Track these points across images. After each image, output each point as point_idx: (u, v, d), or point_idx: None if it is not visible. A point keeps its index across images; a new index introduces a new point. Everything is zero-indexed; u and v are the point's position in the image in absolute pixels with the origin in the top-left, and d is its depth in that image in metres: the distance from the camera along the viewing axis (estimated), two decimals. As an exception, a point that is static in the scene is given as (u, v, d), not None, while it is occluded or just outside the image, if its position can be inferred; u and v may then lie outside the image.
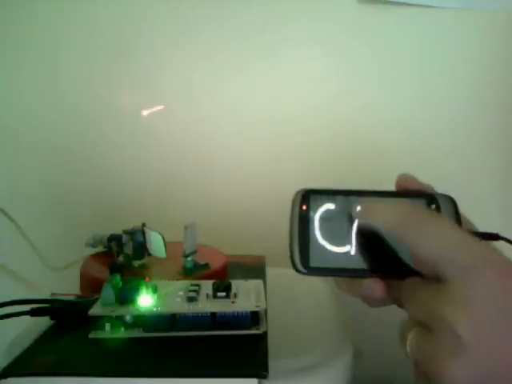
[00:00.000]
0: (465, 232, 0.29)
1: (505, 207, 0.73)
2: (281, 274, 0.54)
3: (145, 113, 0.70)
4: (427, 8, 0.69)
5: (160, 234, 0.50)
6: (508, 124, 0.72)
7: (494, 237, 0.33)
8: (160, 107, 0.71)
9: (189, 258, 0.50)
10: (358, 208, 0.32)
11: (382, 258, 0.32)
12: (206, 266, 0.50)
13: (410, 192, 0.34)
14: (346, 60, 0.71)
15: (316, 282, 0.54)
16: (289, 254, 0.32)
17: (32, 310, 0.42)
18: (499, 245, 0.33)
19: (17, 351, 0.37)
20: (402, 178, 0.34)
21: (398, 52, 0.71)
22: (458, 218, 0.32)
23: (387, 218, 0.30)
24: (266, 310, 0.39)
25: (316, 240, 0.32)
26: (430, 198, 0.33)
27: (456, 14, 0.69)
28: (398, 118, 0.72)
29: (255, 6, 0.70)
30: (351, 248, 0.32)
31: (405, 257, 0.31)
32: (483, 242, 0.29)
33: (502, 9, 0.69)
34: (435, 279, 0.28)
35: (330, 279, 0.34)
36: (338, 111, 0.72)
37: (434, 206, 0.33)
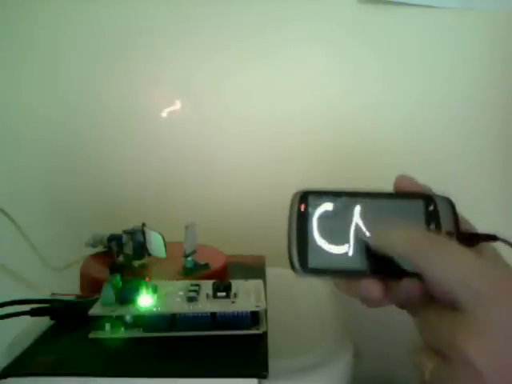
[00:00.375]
0: (481, 259, 0.28)
1: (505, 207, 0.73)
2: (281, 274, 0.54)
3: (164, 113, 0.70)
4: (427, 8, 0.69)
5: (160, 234, 0.50)
6: (508, 124, 0.72)
7: (492, 238, 0.32)
8: (176, 107, 0.71)
9: (189, 258, 0.50)
10: (371, 230, 0.32)
11: (380, 259, 0.32)
12: (206, 266, 0.50)
13: (408, 193, 0.34)
14: (346, 60, 0.71)
15: (316, 281, 0.54)
16: (287, 254, 0.32)
17: (32, 310, 0.42)
18: (497, 246, 0.33)
19: (17, 351, 0.37)
20: (400, 179, 0.34)
21: (399, 52, 0.71)
22: (455, 218, 0.32)
23: (402, 245, 0.30)
24: (266, 310, 0.39)
25: (314, 241, 0.32)
26: (427, 200, 0.33)
27: (456, 14, 0.69)
28: (398, 117, 0.72)
29: (256, 5, 0.70)
30: (349, 249, 0.32)
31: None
32: (500, 270, 0.28)
33: (501, 9, 0.69)
34: (450, 306, 0.28)
35: (329, 279, 0.34)
36: (338, 111, 0.72)
37: (432, 207, 0.33)
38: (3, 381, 0.33)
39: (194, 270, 0.49)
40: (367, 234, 0.32)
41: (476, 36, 0.71)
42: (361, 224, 0.33)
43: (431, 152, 0.72)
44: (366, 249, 0.32)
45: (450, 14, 0.70)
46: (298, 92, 0.72)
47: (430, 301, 0.29)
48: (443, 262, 0.28)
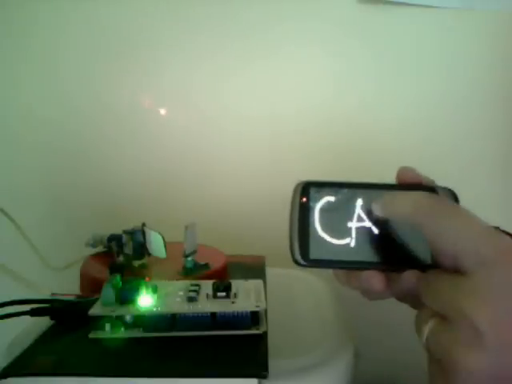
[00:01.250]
0: (487, 225, 0.28)
1: (504, 207, 0.73)
2: (281, 274, 0.54)
3: (162, 111, 0.70)
4: (427, 8, 0.69)
5: (160, 234, 0.50)
6: (508, 124, 0.72)
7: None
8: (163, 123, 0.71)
9: (189, 258, 0.50)
10: (380, 198, 0.32)
11: (382, 250, 0.32)
12: (206, 266, 0.50)
13: (411, 185, 0.33)
14: (346, 60, 0.71)
15: (316, 281, 0.54)
16: (288, 245, 0.32)
17: (32, 310, 0.42)
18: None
19: (17, 351, 0.37)
20: (403, 171, 0.34)
21: (398, 52, 0.71)
22: None
23: (411, 209, 0.30)
24: (266, 310, 0.39)
25: (316, 232, 0.32)
26: (430, 191, 0.33)
27: (456, 14, 0.69)
28: (398, 117, 0.72)
29: (255, 5, 0.70)
30: (351, 240, 0.32)
31: (410, 249, 0.31)
32: (505, 236, 0.28)
33: (502, 9, 0.69)
34: (455, 271, 0.28)
35: (330, 274, 0.34)
36: (338, 111, 0.72)
37: None
38: (3, 381, 0.33)
39: (194, 270, 0.49)
40: (373, 202, 0.32)
41: (476, 36, 0.71)
42: (363, 216, 0.33)
43: (430, 152, 0.72)
44: (368, 240, 0.32)
45: (450, 14, 0.70)
46: (297, 92, 0.72)
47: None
48: (449, 225, 0.28)
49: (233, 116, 0.72)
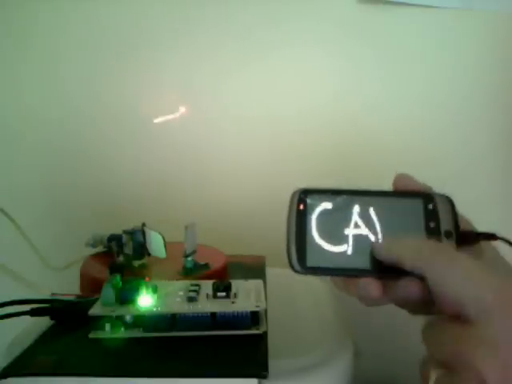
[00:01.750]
0: (491, 273, 0.28)
1: (505, 207, 0.73)
2: (281, 274, 0.53)
3: (158, 120, 0.70)
4: (427, 8, 0.69)
5: (160, 234, 0.50)
6: (508, 124, 0.72)
7: (492, 236, 0.32)
8: (173, 115, 0.71)
9: (189, 258, 0.50)
10: (381, 239, 0.32)
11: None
12: (206, 265, 0.50)
13: (408, 192, 0.34)
14: (346, 60, 0.71)
15: (316, 281, 0.54)
16: (285, 253, 0.32)
17: (32, 310, 0.42)
18: (496, 244, 0.33)
19: (17, 351, 0.37)
20: (400, 178, 0.34)
21: (398, 52, 0.71)
22: (455, 217, 0.32)
23: (410, 255, 0.29)
24: (266, 310, 0.39)
25: (313, 239, 0.32)
26: (427, 198, 0.33)
27: (456, 14, 0.69)
28: (398, 117, 0.72)
29: (254, 6, 0.70)
30: (348, 247, 0.32)
31: None
32: (507, 283, 0.28)
33: (501, 9, 0.69)
34: (459, 320, 0.27)
35: (328, 278, 0.34)
36: (338, 111, 0.72)
37: (431, 206, 0.33)
38: (3, 381, 0.33)
39: (194, 270, 0.49)
40: (375, 246, 0.32)
41: (476, 36, 0.71)
42: (360, 223, 0.33)
43: (431, 152, 0.72)
44: (364, 248, 0.32)
45: (450, 14, 0.70)
46: (297, 92, 0.72)
47: (431, 302, 0.29)
48: (451, 273, 0.28)
49: (233, 116, 0.72)
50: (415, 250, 0.30)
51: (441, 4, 0.69)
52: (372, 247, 0.32)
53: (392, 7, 0.69)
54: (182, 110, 0.70)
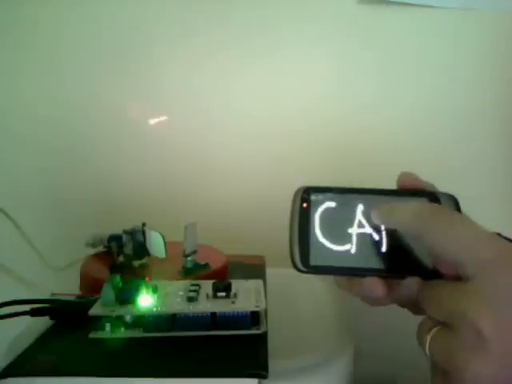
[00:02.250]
0: (487, 231, 0.28)
1: (505, 206, 0.73)
2: (281, 274, 0.54)
3: (151, 122, 0.71)
4: (427, 8, 0.69)
5: (160, 233, 0.50)
6: (508, 124, 0.72)
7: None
8: (164, 117, 0.71)
9: (189, 258, 0.50)
10: (379, 206, 0.32)
11: (383, 257, 0.32)
12: (206, 265, 0.50)
13: (412, 190, 0.33)
14: (346, 60, 0.71)
15: (316, 281, 0.54)
16: (288, 251, 0.32)
17: (32, 310, 0.42)
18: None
19: (17, 351, 0.37)
20: (404, 176, 0.34)
21: (398, 52, 0.71)
22: None
23: (408, 216, 0.30)
24: (266, 310, 0.39)
25: (316, 238, 0.32)
26: (431, 197, 0.33)
27: (456, 14, 0.69)
28: (398, 117, 0.72)
29: (255, 6, 0.70)
30: (351, 246, 0.32)
31: (411, 256, 0.31)
32: (505, 240, 0.28)
33: (502, 9, 0.69)
34: (456, 278, 0.28)
35: (331, 278, 0.34)
36: (338, 111, 0.72)
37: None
38: (3, 381, 0.33)
39: (194, 270, 0.49)
40: (373, 210, 0.32)
41: (476, 36, 0.71)
42: (364, 222, 0.32)
43: (431, 151, 0.72)
44: (368, 247, 0.32)
45: (450, 14, 0.70)
46: (297, 92, 0.72)
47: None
48: (449, 232, 0.28)
49: (233, 116, 0.72)
50: (414, 212, 0.30)
51: (441, 4, 0.69)
52: (371, 211, 0.32)
53: (392, 7, 0.69)
54: (164, 117, 0.70)
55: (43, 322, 0.42)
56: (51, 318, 0.42)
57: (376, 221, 0.32)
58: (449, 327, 0.27)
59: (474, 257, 0.27)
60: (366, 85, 0.72)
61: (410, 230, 0.30)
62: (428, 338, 0.28)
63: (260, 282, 0.44)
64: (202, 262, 0.50)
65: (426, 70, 0.72)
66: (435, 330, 0.28)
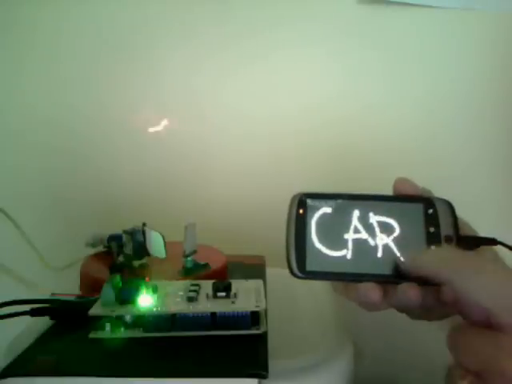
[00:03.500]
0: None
1: (505, 208, 0.73)
2: (281, 274, 0.53)
3: (151, 130, 0.71)
4: (427, 8, 0.69)
5: (160, 233, 0.50)
6: (509, 125, 0.72)
7: (492, 241, 0.32)
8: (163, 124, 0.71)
9: (189, 258, 0.50)
10: (407, 254, 0.31)
11: (378, 262, 0.32)
12: (206, 265, 0.50)
13: (408, 196, 0.34)
14: (345, 60, 0.71)
15: (316, 282, 0.54)
16: (285, 257, 0.32)
17: (32, 310, 0.42)
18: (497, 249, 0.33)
19: (17, 351, 0.37)
20: (400, 182, 0.34)
21: (398, 52, 0.71)
22: (455, 222, 0.32)
23: (441, 267, 0.29)
24: (266, 310, 0.39)
25: (313, 244, 0.32)
26: (427, 203, 0.33)
27: (456, 14, 0.69)
28: (398, 118, 0.72)
29: (254, 6, 0.70)
30: (347, 252, 0.32)
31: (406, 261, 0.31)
32: None
33: (502, 9, 0.69)
34: (490, 327, 0.27)
35: (329, 282, 0.34)
36: (338, 111, 0.72)
37: (431, 211, 0.33)
38: (3, 381, 0.33)
39: (194, 270, 0.49)
40: (400, 257, 0.32)
41: (476, 36, 0.71)
42: (360, 228, 0.33)
43: (431, 152, 0.72)
44: (364, 252, 0.32)
45: (450, 14, 0.70)
46: (297, 92, 0.72)
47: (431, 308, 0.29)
48: (479, 282, 0.28)
49: (233, 116, 0.72)
50: (443, 261, 0.29)
51: (441, 4, 0.69)
52: (398, 262, 0.31)
53: (392, 7, 0.69)
54: (165, 123, 0.70)
55: (43, 322, 0.42)
56: (51, 318, 0.42)
57: (404, 268, 0.31)
58: (484, 379, 0.27)
59: (508, 308, 0.26)
60: (366, 85, 0.72)
61: (439, 279, 0.29)
62: None
63: (260, 282, 0.44)
64: (202, 262, 0.50)
65: (426, 70, 0.72)
66: (469, 380, 0.27)
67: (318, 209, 0.33)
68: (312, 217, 0.33)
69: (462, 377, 0.28)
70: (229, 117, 0.72)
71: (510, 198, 0.74)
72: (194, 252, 0.50)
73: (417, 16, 0.70)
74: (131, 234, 0.52)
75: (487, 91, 0.72)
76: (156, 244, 0.51)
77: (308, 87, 0.72)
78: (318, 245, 0.32)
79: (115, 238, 0.53)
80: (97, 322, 0.38)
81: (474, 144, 0.73)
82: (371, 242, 0.32)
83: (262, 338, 0.38)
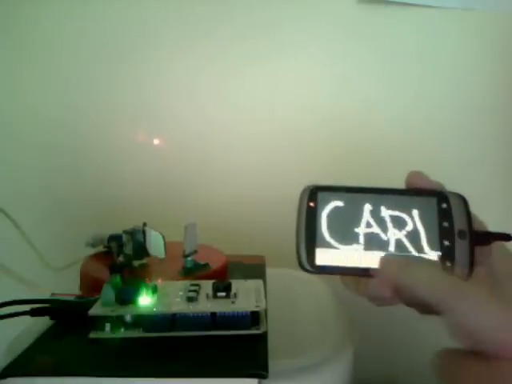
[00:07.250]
0: (508, 305, 0.27)
1: (505, 207, 0.73)
2: (281, 274, 0.54)
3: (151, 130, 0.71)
4: (427, 8, 0.69)
5: (160, 233, 0.50)
6: (509, 124, 0.72)
7: (506, 237, 0.32)
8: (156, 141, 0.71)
9: (189, 258, 0.50)
10: (388, 259, 0.30)
11: None
12: (206, 265, 0.50)
13: (421, 190, 0.33)
14: (346, 60, 0.71)
15: (316, 281, 0.54)
16: (295, 251, 0.32)
17: (32, 310, 0.42)
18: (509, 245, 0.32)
19: (17, 351, 0.37)
20: (412, 176, 0.33)
21: (398, 52, 0.71)
22: (469, 216, 0.32)
23: (424, 288, 0.28)
24: (266, 310, 0.39)
25: (323, 237, 0.32)
26: (440, 197, 0.32)
27: (456, 14, 0.69)
28: (398, 117, 0.72)
29: (256, 8, 0.70)
30: (358, 246, 0.32)
31: (417, 255, 0.31)
32: None
33: (501, 9, 0.69)
34: (478, 354, 0.27)
35: (334, 278, 0.34)
36: (338, 111, 0.72)
37: (445, 205, 0.32)
38: (3, 381, 0.33)
39: (194, 270, 0.49)
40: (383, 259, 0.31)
41: (476, 36, 0.71)
42: (371, 222, 0.32)
43: (431, 151, 0.72)
44: (375, 247, 0.32)
45: (449, 14, 0.70)
46: (297, 92, 0.72)
47: None
48: (468, 311, 0.27)
49: (234, 116, 0.72)
50: (426, 281, 0.28)
51: (441, 4, 0.69)
52: (379, 263, 0.30)
53: (392, 7, 0.69)
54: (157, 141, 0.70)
55: (43, 322, 0.42)
56: (51, 318, 0.42)
57: (393, 285, 0.30)
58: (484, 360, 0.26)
59: (494, 339, 0.26)
60: (366, 84, 0.72)
61: (427, 300, 0.28)
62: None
63: (260, 282, 0.44)
64: (202, 262, 0.50)
65: (426, 69, 0.72)
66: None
67: (329, 202, 0.32)
68: (323, 210, 0.32)
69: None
70: (229, 117, 0.72)
71: (511, 198, 0.74)
72: (194, 252, 0.50)
73: (416, 16, 0.70)
74: (131, 234, 0.52)
75: (487, 91, 0.72)
76: (156, 244, 0.51)
77: (308, 87, 0.72)
78: (328, 238, 0.32)
79: (115, 238, 0.53)
80: (97, 322, 0.38)
81: (473, 143, 0.73)
82: (383, 236, 0.32)
83: (262, 338, 0.38)
